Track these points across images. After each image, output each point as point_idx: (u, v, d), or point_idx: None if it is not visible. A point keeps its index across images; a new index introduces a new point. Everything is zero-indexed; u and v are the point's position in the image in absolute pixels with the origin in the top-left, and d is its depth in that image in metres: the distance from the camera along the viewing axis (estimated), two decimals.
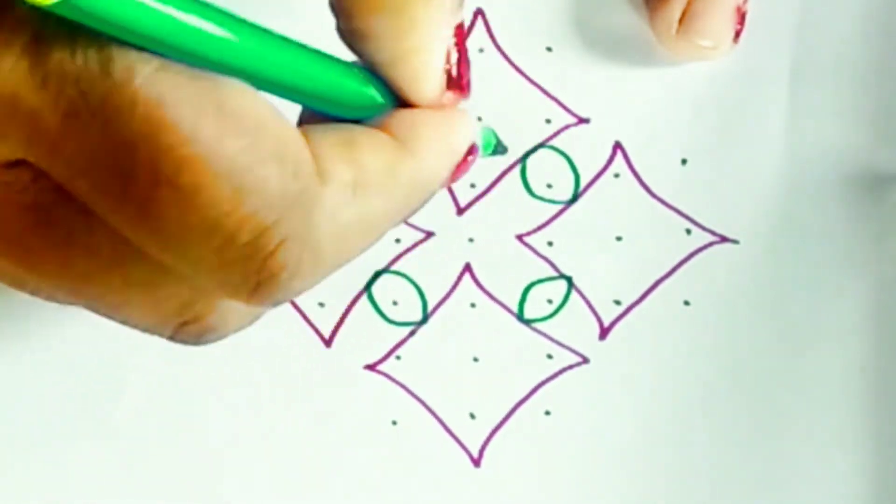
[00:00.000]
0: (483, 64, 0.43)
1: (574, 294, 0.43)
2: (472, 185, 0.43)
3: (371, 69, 0.31)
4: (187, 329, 0.29)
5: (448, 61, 0.31)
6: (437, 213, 0.43)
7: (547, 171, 0.43)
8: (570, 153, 0.43)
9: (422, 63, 0.30)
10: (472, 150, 0.32)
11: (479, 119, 0.33)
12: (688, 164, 0.42)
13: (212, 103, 0.26)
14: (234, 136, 0.26)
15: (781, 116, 0.42)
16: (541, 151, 0.43)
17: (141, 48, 0.25)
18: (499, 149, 0.35)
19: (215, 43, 0.25)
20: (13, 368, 0.43)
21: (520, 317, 0.43)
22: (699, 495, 0.42)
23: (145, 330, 0.29)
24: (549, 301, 0.43)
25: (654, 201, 0.43)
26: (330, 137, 0.29)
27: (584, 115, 0.43)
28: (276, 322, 0.41)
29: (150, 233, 0.26)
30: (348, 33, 0.30)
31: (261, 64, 0.27)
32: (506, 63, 0.43)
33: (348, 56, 0.31)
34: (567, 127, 0.43)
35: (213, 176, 0.26)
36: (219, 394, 0.43)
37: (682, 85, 0.42)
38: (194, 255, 0.27)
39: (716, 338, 0.42)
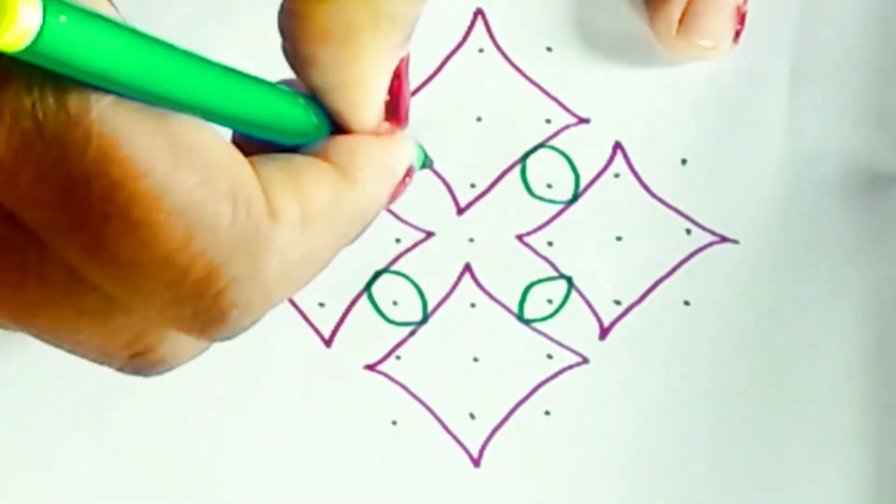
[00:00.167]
0: (483, 64, 0.43)
1: (574, 294, 0.43)
2: (472, 185, 0.43)
3: (311, 93, 0.31)
4: (137, 361, 0.29)
5: (389, 92, 0.31)
6: (437, 213, 0.43)
7: (547, 171, 0.43)
8: (570, 153, 0.43)
9: (364, 93, 0.31)
10: (409, 172, 0.32)
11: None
12: (688, 164, 0.42)
13: (166, 139, 0.26)
14: (188, 172, 0.26)
15: (781, 116, 0.42)
16: (541, 151, 0.43)
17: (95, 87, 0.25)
18: (427, 162, 0.36)
19: (162, 78, 0.26)
20: (13, 368, 0.43)
21: (520, 317, 0.43)
22: (699, 495, 0.42)
23: (95, 360, 0.29)
24: (549, 301, 0.43)
25: (654, 201, 0.43)
26: (277, 171, 0.29)
27: (584, 115, 0.43)
28: (276, 322, 0.41)
29: (102, 266, 0.26)
30: (294, 56, 0.30)
31: (205, 95, 0.27)
32: (506, 63, 0.43)
33: (280, 69, 0.31)
34: (567, 127, 0.43)
35: (165, 212, 0.26)
36: (219, 394, 0.43)
37: (682, 85, 0.42)
38: (146, 289, 0.27)
39: (716, 338, 0.42)
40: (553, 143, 0.43)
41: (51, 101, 0.25)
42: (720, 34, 0.41)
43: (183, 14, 0.42)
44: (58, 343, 0.29)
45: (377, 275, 0.43)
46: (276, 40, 0.31)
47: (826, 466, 0.42)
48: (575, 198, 0.43)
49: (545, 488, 0.43)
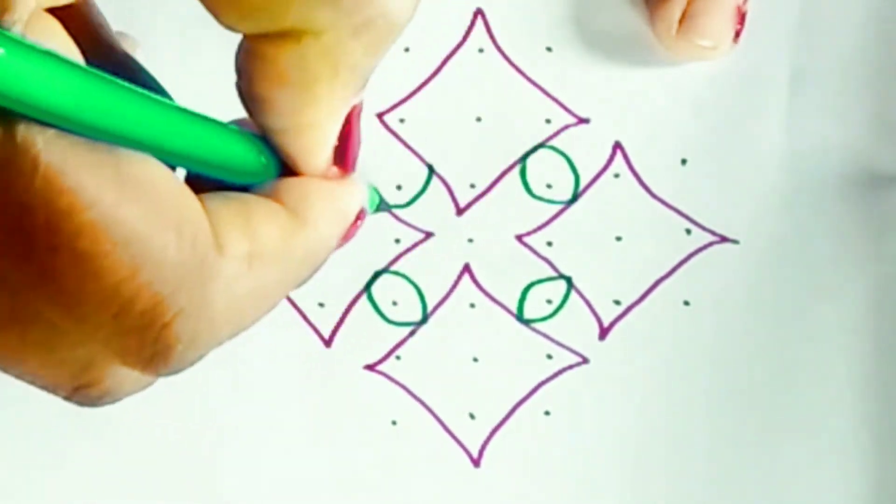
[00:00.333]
0: (483, 64, 0.43)
1: (574, 294, 0.43)
2: (472, 186, 0.43)
3: (261, 132, 0.31)
4: (82, 392, 0.29)
5: (339, 138, 0.31)
6: (436, 213, 0.43)
7: (547, 171, 0.43)
8: (569, 153, 0.43)
9: (314, 138, 0.31)
10: (360, 215, 0.32)
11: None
12: (688, 164, 0.42)
13: (111, 170, 0.26)
14: (134, 203, 0.26)
15: (781, 117, 0.42)
16: (541, 151, 0.43)
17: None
18: (382, 206, 0.36)
19: (108, 115, 0.26)
20: None
21: (519, 317, 0.43)
22: (699, 495, 0.42)
23: (42, 388, 0.29)
24: (549, 301, 0.43)
25: (654, 201, 0.43)
26: (226, 208, 0.29)
27: (584, 115, 0.43)
28: (276, 322, 0.41)
29: (48, 296, 0.26)
30: (248, 96, 0.30)
31: (152, 133, 0.27)
32: (506, 63, 0.43)
33: (230, 108, 0.31)
34: (567, 127, 0.43)
35: (111, 243, 0.26)
36: (219, 394, 0.43)
37: (682, 85, 0.42)
38: (91, 320, 0.27)
39: (716, 338, 0.42)
40: (553, 143, 0.43)
41: None
42: (720, 34, 0.41)
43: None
44: (3, 369, 0.29)
45: (377, 275, 0.43)
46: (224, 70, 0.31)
47: (826, 466, 0.42)
48: (575, 198, 0.43)
49: (545, 488, 0.43)
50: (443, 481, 0.43)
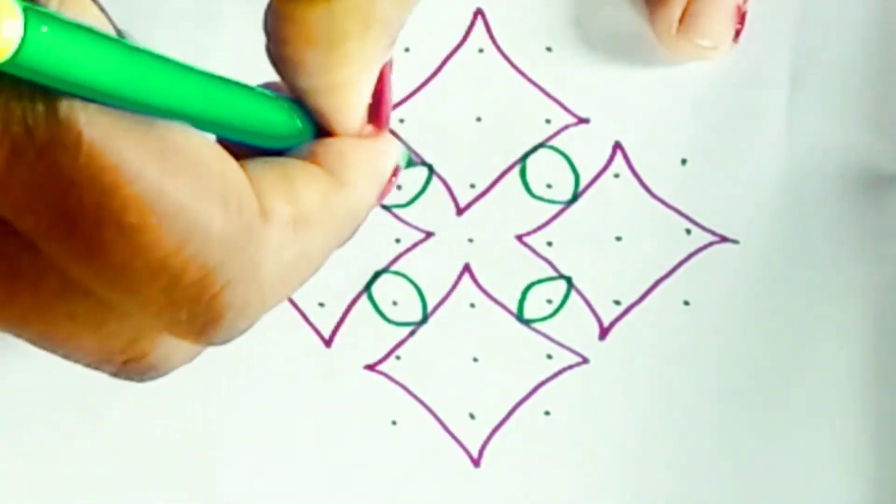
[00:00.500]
0: (483, 64, 0.43)
1: (574, 294, 0.43)
2: (472, 186, 0.43)
3: (294, 95, 0.31)
4: (130, 366, 0.29)
5: (372, 96, 0.31)
6: (436, 213, 0.43)
7: (547, 171, 0.43)
8: (569, 153, 0.43)
9: (348, 97, 0.31)
10: (395, 172, 0.33)
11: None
12: (688, 164, 0.42)
13: (154, 144, 0.26)
14: (178, 176, 0.26)
15: (781, 116, 0.42)
16: (541, 151, 0.43)
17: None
18: (411, 161, 0.36)
19: (146, 86, 0.26)
20: (11, 368, 0.43)
21: (519, 317, 0.43)
22: (699, 495, 0.42)
23: (88, 366, 0.29)
24: (549, 301, 0.43)
25: (654, 201, 0.43)
26: (268, 174, 0.29)
27: (584, 115, 0.43)
28: (276, 322, 0.41)
29: (96, 272, 0.26)
30: (278, 58, 0.30)
31: (189, 102, 0.27)
32: (506, 63, 0.43)
33: (263, 72, 0.31)
34: (567, 127, 0.43)
35: (157, 216, 0.26)
36: (218, 393, 0.43)
37: (682, 85, 0.42)
38: (141, 294, 0.27)
39: (716, 338, 0.42)
40: (553, 143, 0.43)
41: (41, 107, 0.25)
42: (720, 34, 0.41)
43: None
44: (52, 349, 0.29)
45: (377, 275, 0.43)
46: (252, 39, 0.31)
47: (826, 466, 0.42)
48: (575, 198, 0.43)
49: (545, 488, 0.43)
50: (443, 481, 0.43)
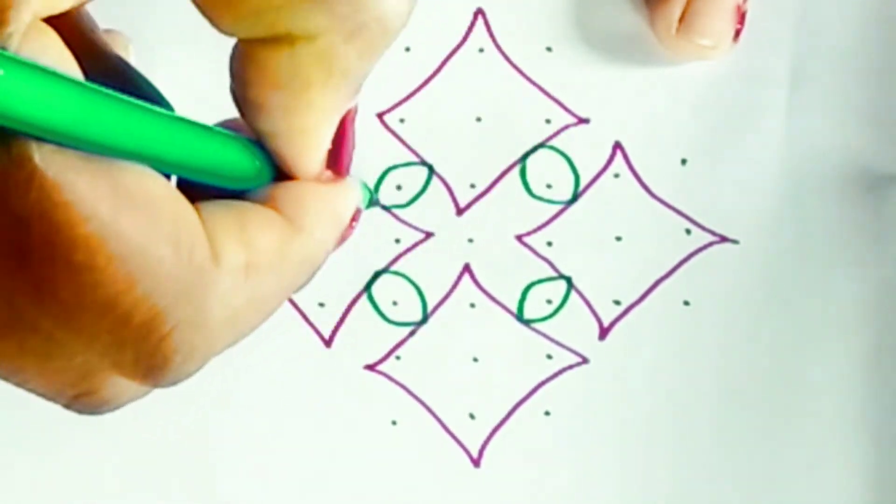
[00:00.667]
0: (483, 64, 0.43)
1: (573, 294, 0.43)
2: (472, 186, 0.43)
3: (255, 136, 0.31)
4: (81, 401, 0.29)
5: (332, 142, 0.31)
6: (436, 213, 0.43)
7: (547, 171, 0.43)
8: (569, 153, 0.43)
9: (308, 142, 0.31)
10: (355, 217, 0.32)
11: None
12: (688, 164, 0.42)
13: (108, 183, 0.26)
14: (130, 216, 0.26)
15: (781, 116, 0.42)
16: (541, 151, 0.43)
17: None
18: (373, 201, 0.36)
19: (102, 127, 0.26)
20: None
21: (519, 317, 0.43)
22: (699, 495, 0.42)
23: (42, 396, 0.29)
24: (549, 301, 0.43)
25: (654, 201, 0.43)
26: (223, 218, 0.29)
27: (584, 115, 0.43)
28: (276, 322, 0.41)
29: (44, 308, 0.26)
30: (242, 100, 0.30)
31: (146, 143, 0.27)
32: (506, 63, 0.43)
33: (225, 106, 0.31)
34: (567, 127, 0.43)
35: (107, 256, 0.26)
36: (218, 393, 0.43)
37: (682, 85, 0.42)
38: (88, 332, 0.27)
39: (716, 338, 0.42)
40: (553, 143, 0.43)
41: None
42: (720, 34, 0.41)
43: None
44: (4, 378, 0.29)
45: (377, 275, 0.43)
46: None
47: (826, 466, 0.42)
48: (575, 198, 0.43)
49: (545, 488, 0.43)
50: (443, 481, 0.43)
